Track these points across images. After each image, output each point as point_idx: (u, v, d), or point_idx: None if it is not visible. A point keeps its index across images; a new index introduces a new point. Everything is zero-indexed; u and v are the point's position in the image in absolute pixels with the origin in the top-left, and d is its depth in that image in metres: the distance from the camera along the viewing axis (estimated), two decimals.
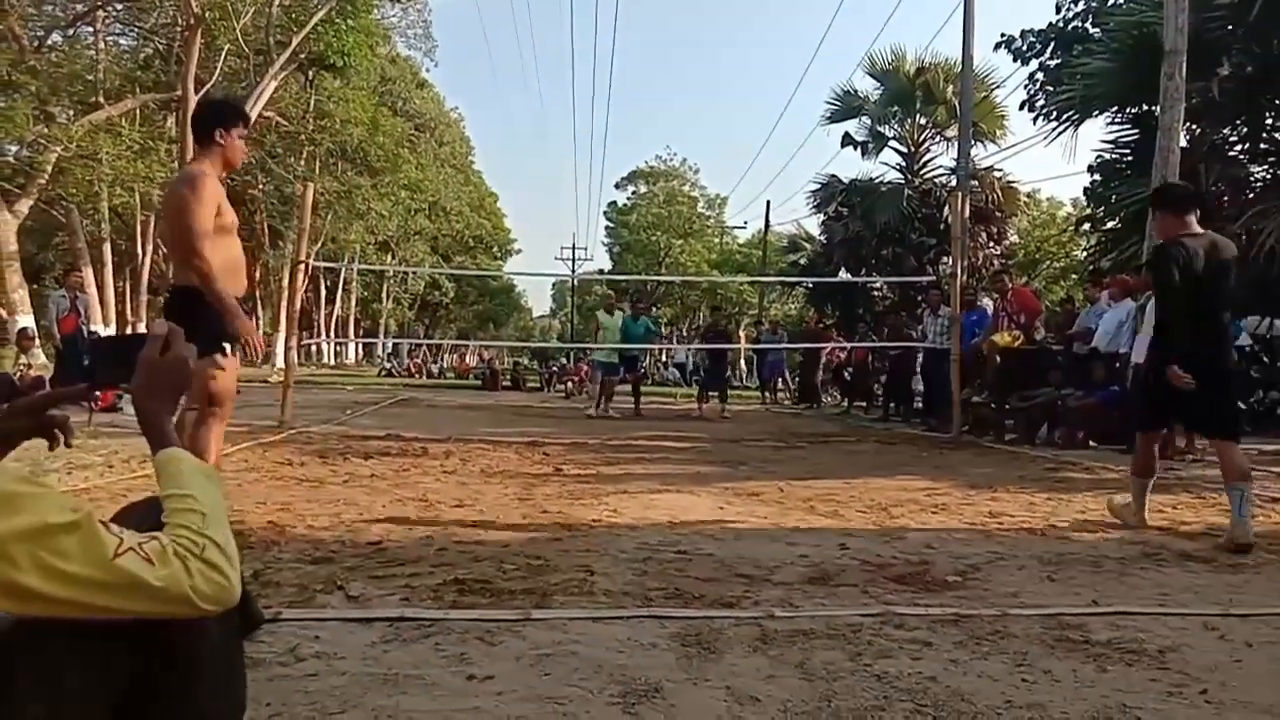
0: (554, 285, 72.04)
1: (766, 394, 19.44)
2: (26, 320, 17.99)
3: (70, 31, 23.99)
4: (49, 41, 22.86)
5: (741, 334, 26.10)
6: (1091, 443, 8.78)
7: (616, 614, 2.71)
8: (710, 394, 14.54)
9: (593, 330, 13.27)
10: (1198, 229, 4.51)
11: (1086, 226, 17.67)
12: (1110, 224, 14.52)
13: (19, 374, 10.63)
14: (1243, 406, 10.83)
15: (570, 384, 17.85)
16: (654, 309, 52.48)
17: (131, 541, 1.08)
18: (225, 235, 3.79)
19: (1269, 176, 13.30)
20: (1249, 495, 4.07)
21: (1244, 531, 3.96)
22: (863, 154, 23.23)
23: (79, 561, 1.03)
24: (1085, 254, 20.60)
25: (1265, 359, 11.28)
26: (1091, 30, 16.59)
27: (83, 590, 1.03)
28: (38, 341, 14.12)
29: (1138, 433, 4.76)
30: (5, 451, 1.41)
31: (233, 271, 3.82)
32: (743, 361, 28.61)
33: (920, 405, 13.07)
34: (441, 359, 36.72)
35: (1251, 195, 12.43)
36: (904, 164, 23.05)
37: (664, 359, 35.76)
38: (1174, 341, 4.40)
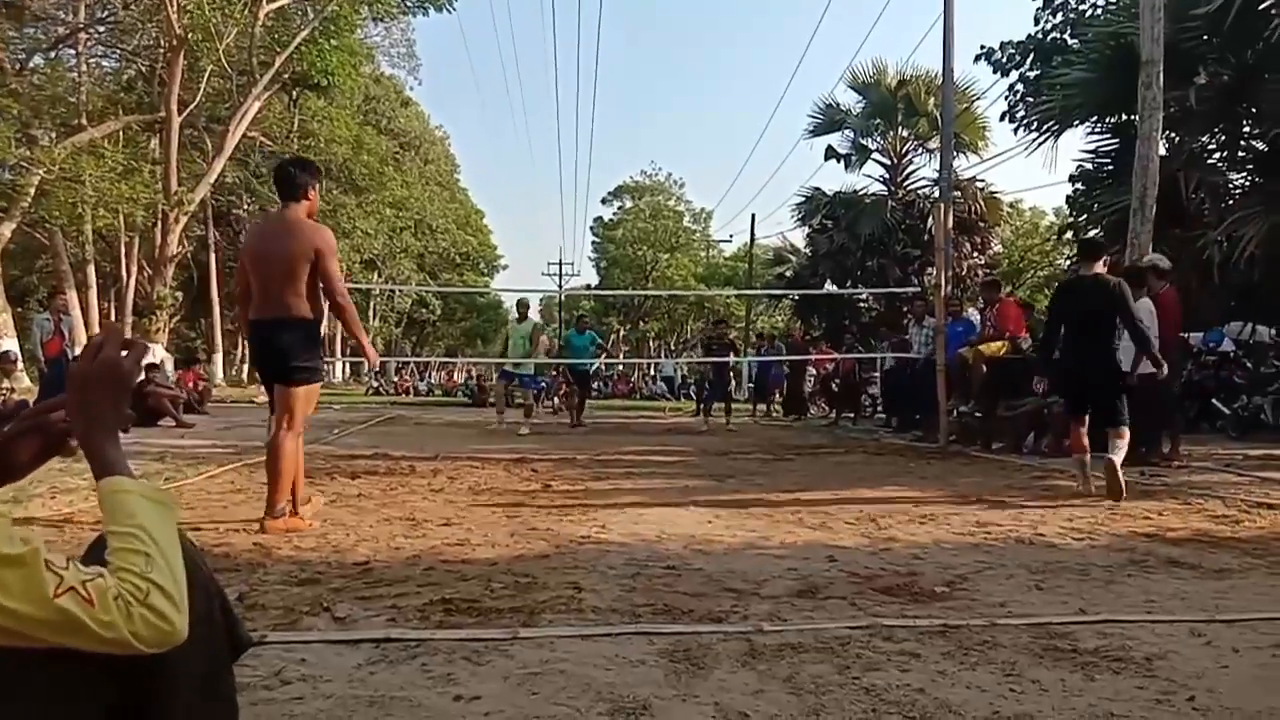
0: (541, 301, 72.09)
1: (762, 406, 19.44)
2: (10, 344, 17.86)
3: (53, 54, 23.98)
4: (31, 64, 22.84)
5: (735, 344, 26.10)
6: None
7: (605, 631, 2.70)
8: (714, 406, 14.53)
9: (503, 340, 13.06)
10: (1095, 270, 6.08)
11: (1069, 235, 17.82)
12: (1093, 232, 14.63)
13: (2, 398, 10.55)
14: (1227, 412, 10.91)
15: (557, 399, 17.83)
16: (641, 323, 52.66)
17: (73, 580, 1.04)
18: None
19: (1248, 183, 13.45)
20: (1114, 463, 5.56)
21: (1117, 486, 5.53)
22: (846, 167, 23.40)
23: (17, 597, 1.00)
24: (1068, 263, 20.75)
25: (1248, 364, 11.36)
26: (1070, 41, 16.79)
27: (19, 623, 1.00)
28: (21, 365, 14.03)
29: (1070, 420, 6.17)
30: (20, 476, 1.38)
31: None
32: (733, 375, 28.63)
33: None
34: (429, 376, 36.58)
35: (1231, 202, 12.55)
36: (887, 176, 23.21)
37: (652, 373, 35.76)
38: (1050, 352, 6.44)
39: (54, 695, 1.11)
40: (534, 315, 14.72)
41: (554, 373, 16.81)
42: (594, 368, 15.12)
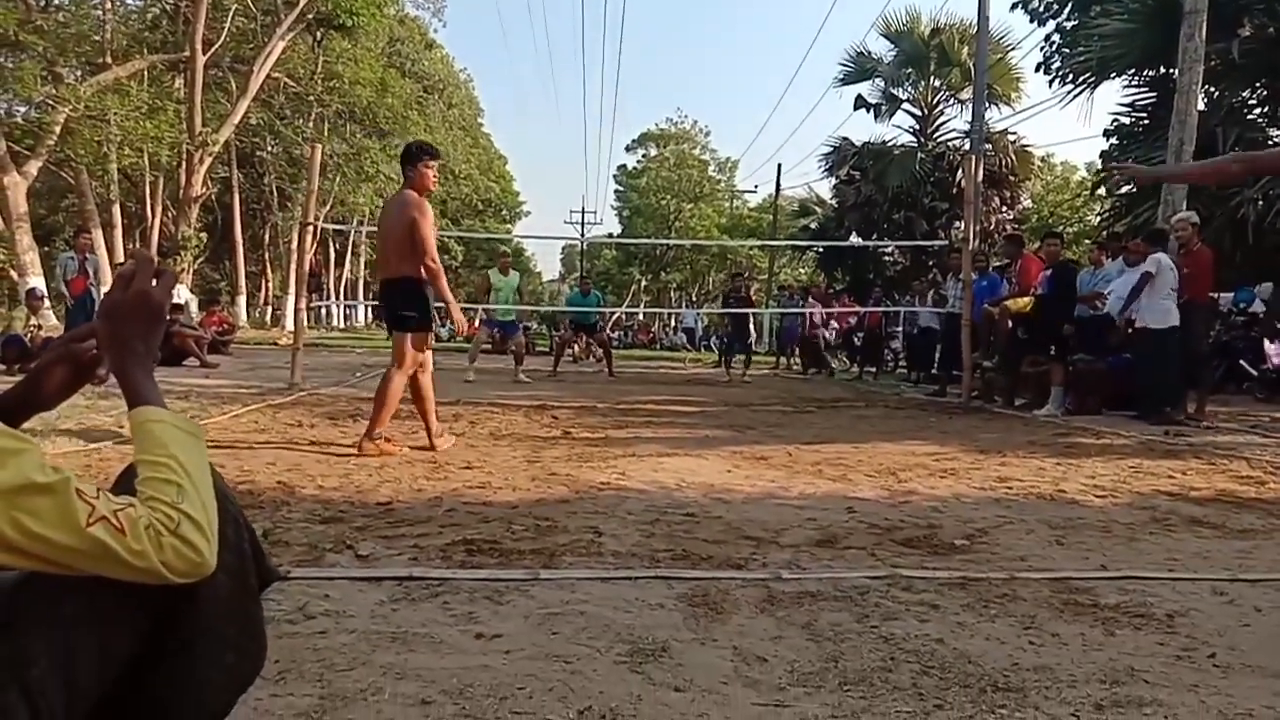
0: (563, 249, 71.78)
1: (784, 359, 19.39)
2: (37, 281, 18.04)
3: None
4: (55, 1, 22.69)
5: (752, 298, 26.04)
6: (1103, 408, 8.74)
7: (624, 574, 2.71)
8: (734, 358, 14.55)
9: (482, 291, 13.13)
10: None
11: (1101, 191, 17.50)
12: (1125, 188, 14.37)
13: (29, 335, 10.67)
14: (1254, 373, 10.78)
15: (577, 348, 17.81)
16: (663, 273, 52.43)
17: (105, 510, 1.04)
18: None
19: None
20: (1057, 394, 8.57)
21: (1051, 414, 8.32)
22: (875, 117, 23.07)
23: (50, 525, 1.00)
24: (1099, 219, 20.43)
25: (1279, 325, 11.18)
26: None
27: (52, 551, 1.01)
28: (47, 302, 14.18)
29: (1055, 362, 8.72)
30: (50, 405, 1.40)
31: None
32: (752, 326, 28.53)
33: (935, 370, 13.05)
34: (449, 323, 36.66)
35: None
36: (917, 127, 22.85)
37: (673, 324, 35.71)
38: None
39: (89, 621, 1.12)
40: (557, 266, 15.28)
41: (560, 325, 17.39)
42: (595, 320, 15.45)
